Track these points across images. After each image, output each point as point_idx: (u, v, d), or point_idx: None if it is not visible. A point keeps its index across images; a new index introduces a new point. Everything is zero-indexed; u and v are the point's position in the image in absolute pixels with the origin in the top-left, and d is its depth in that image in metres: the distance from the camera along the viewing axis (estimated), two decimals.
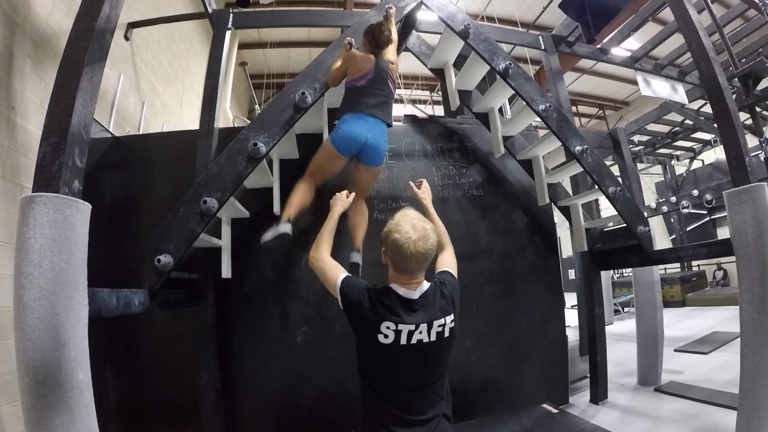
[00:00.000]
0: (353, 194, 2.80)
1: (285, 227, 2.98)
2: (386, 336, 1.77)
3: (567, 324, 4.51)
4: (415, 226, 1.84)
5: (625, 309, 11.12)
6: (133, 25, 5.10)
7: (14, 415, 2.86)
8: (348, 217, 3.35)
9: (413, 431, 1.79)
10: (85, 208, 2.08)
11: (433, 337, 1.81)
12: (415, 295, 1.85)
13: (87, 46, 2.22)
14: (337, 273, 2.06)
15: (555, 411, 3.52)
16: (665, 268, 13.39)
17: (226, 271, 3.49)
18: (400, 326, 1.77)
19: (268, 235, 2.98)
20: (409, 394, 1.84)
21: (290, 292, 3.87)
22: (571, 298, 6.04)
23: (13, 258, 1.88)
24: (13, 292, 1.85)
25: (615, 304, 10.78)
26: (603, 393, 4.39)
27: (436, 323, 1.82)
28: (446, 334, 1.86)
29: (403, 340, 1.77)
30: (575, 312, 5.63)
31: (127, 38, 5.04)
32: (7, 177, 3.05)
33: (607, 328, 4.67)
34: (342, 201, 2.65)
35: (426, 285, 1.91)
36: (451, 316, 1.89)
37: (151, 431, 3.71)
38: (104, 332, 3.58)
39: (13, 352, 1.86)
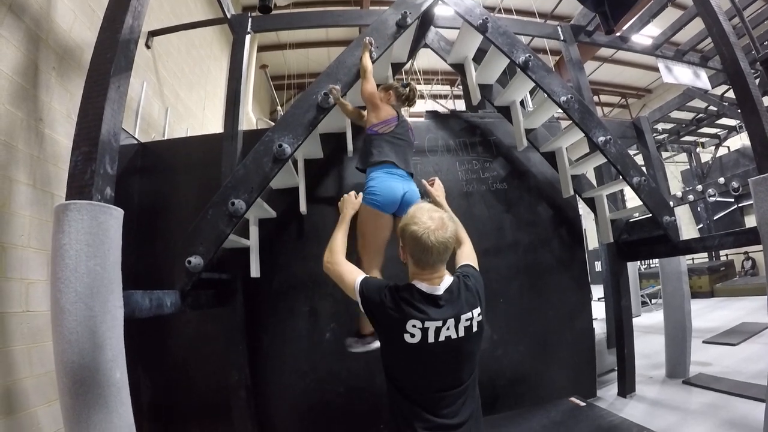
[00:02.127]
0: (361, 194, 2.73)
1: (375, 344, 2.89)
2: (413, 335, 1.69)
3: (594, 317, 4.47)
4: (431, 216, 1.76)
5: (653, 300, 10.96)
6: (153, 34, 5.19)
7: (50, 415, 2.94)
8: None
9: None
10: (118, 214, 2.14)
11: (462, 333, 1.74)
12: (440, 290, 1.77)
13: (113, 57, 2.28)
14: (354, 275, 1.98)
15: (583, 404, 3.52)
16: (693, 258, 13.15)
17: (255, 271, 3.55)
18: (427, 323, 1.69)
19: (357, 348, 3.03)
20: (440, 395, 1.75)
21: (318, 290, 3.91)
22: (597, 291, 5.98)
23: (46, 264, 1.94)
24: (51, 296, 1.92)
25: (642, 296, 10.63)
26: (631, 386, 4.35)
27: (463, 317, 1.74)
28: (474, 328, 1.78)
29: (431, 338, 1.69)
30: (602, 304, 5.57)
31: (148, 46, 5.14)
32: (38, 186, 3.15)
33: (634, 320, 4.63)
34: (351, 203, 2.57)
35: (449, 279, 1.83)
36: (478, 309, 1.81)
37: (183, 429, 3.80)
38: (136, 332, 3.64)
39: (47, 355, 1.92)
